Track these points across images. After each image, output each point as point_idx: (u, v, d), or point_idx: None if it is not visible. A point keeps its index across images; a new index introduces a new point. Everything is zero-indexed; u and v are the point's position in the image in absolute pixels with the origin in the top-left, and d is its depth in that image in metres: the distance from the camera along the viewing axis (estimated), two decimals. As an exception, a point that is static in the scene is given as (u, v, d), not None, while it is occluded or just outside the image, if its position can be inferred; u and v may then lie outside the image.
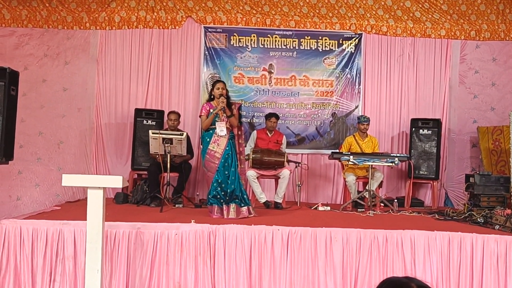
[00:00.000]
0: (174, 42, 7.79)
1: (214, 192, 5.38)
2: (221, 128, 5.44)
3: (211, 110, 5.53)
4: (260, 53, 7.84)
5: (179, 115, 6.99)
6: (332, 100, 7.88)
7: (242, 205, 5.42)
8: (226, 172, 5.42)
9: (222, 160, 5.42)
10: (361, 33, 7.88)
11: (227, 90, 5.62)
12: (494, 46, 7.92)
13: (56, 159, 7.56)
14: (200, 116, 5.67)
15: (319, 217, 5.72)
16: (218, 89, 5.52)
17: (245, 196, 5.47)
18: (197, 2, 7.76)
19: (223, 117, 5.49)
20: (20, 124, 6.60)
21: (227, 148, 5.45)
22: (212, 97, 5.63)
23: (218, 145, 5.44)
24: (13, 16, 7.60)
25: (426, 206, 7.40)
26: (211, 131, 5.53)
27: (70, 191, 7.31)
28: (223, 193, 5.37)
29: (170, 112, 7.02)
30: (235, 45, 7.82)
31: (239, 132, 5.74)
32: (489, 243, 4.48)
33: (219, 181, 5.39)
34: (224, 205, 5.35)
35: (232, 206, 5.35)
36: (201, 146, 5.49)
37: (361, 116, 7.14)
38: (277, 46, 7.85)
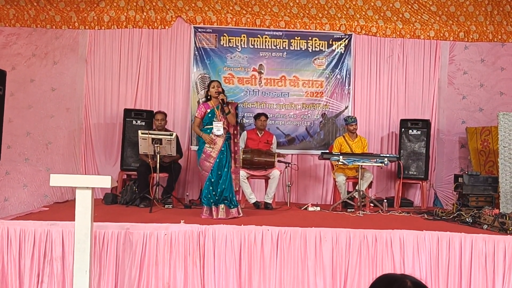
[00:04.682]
0: (164, 42, 7.76)
1: (206, 191, 5.41)
2: (218, 128, 5.46)
3: (208, 110, 5.54)
4: (250, 54, 7.83)
5: (165, 115, 6.97)
6: (322, 101, 7.89)
7: (232, 206, 5.43)
8: (219, 172, 5.44)
9: (217, 160, 5.44)
10: (351, 34, 7.90)
11: (223, 89, 5.63)
12: (482, 47, 7.97)
13: (44, 160, 7.50)
14: (195, 117, 5.68)
15: (309, 217, 5.72)
16: (214, 87, 5.54)
17: (234, 198, 5.49)
18: (186, 2, 7.73)
19: (220, 116, 5.49)
20: (7, 124, 6.57)
21: (223, 149, 5.47)
22: (208, 97, 5.64)
23: (215, 145, 5.45)
24: (1, 15, 7.52)
25: (416, 206, 7.44)
26: (208, 131, 5.53)
27: (58, 191, 7.24)
28: (214, 193, 5.39)
29: (156, 112, 7.01)
30: (225, 45, 7.81)
31: (235, 132, 5.74)
32: (477, 242, 4.50)
33: (212, 180, 5.42)
34: (213, 205, 5.36)
35: (222, 206, 5.37)
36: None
37: (348, 116, 7.16)
38: (267, 47, 7.85)
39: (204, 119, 5.58)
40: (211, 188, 5.40)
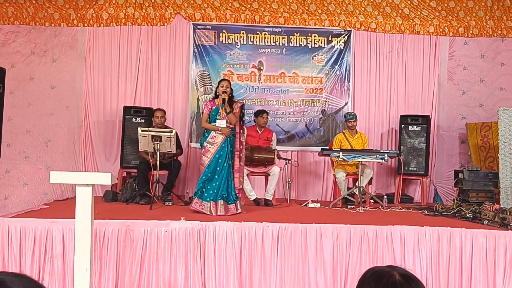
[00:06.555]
0: (163, 39, 7.75)
1: (201, 185, 5.48)
2: (221, 125, 5.53)
3: (213, 108, 5.62)
4: (249, 50, 7.82)
5: (165, 112, 6.95)
6: (322, 97, 7.88)
7: (230, 202, 5.45)
8: (218, 168, 5.47)
9: (216, 156, 5.49)
10: (350, 30, 7.88)
11: (231, 89, 5.72)
12: (482, 43, 7.96)
13: (44, 158, 7.48)
14: (202, 113, 5.72)
15: (309, 213, 5.73)
16: (223, 87, 5.63)
17: (232, 193, 5.50)
18: (185, -1, 7.73)
19: (223, 114, 5.54)
20: (7, 122, 6.56)
21: (223, 145, 5.52)
22: (217, 94, 5.71)
23: (215, 141, 5.52)
24: (-1, 13, 7.52)
25: (416, 202, 7.42)
26: None
27: (58, 189, 7.22)
28: (209, 187, 5.43)
29: (156, 110, 7.00)
30: (224, 42, 7.79)
31: (241, 131, 5.77)
32: (478, 238, 4.50)
33: (208, 175, 5.47)
34: (211, 201, 5.39)
35: (221, 203, 5.41)
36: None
37: (348, 113, 7.14)
38: (266, 43, 7.83)
39: (209, 116, 5.66)
40: (206, 182, 5.46)
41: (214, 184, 5.44)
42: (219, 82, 5.79)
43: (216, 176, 5.46)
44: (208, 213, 5.33)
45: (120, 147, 7.32)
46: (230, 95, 5.64)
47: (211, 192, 5.42)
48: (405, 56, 7.95)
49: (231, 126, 5.60)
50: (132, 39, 7.70)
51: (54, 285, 4.29)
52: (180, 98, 7.76)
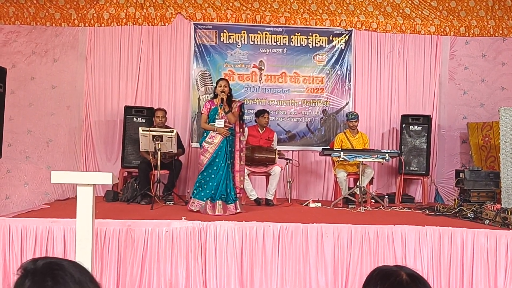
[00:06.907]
0: (164, 39, 7.74)
1: (197, 184, 5.52)
2: (219, 125, 5.55)
3: (212, 107, 5.63)
4: (250, 50, 7.81)
5: (165, 112, 6.96)
6: (323, 97, 7.88)
7: (229, 201, 5.46)
8: (215, 168, 5.48)
9: (214, 155, 5.50)
10: (351, 30, 7.88)
11: (230, 89, 5.72)
12: (483, 42, 7.94)
13: (45, 158, 7.48)
14: (201, 113, 5.76)
15: (310, 213, 5.73)
16: (221, 86, 5.64)
17: (232, 193, 5.50)
18: (186, -1, 7.73)
19: (222, 114, 5.54)
20: (8, 122, 6.55)
21: (221, 144, 5.52)
22: (215, 94, 5.71)
23: (213, 141, 5.53)
24: (0, 13, 7.50)
25: (417, 202, 7.41)
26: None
27: (59, 189, 7.22)
28: (206, 186, 5.45)
29: (156, 109, 7.00)
30: (225, 41, 7.79)
31: (241, 130, 5.78)
32: (479, 237, 4.50)
33: (205, 174, 5.50)
34: (208, 201, 5.40)
35: (219, 203, 5.41)
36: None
37: (349, 113, 7.14)
38: (267, 43, 7.82)
39: (208, 116, 5.66)
40: (203, 182, 5.49)
41: (211, 184, 5.45)
42: (217, 82, 5.80)
43: (213, 176, 5.47)
44: (203, 212, 5.33)
45: (121, 147, 7.32)
46: (228, 95, 5.64)
47: (207, 191, 5.43)
48: (406, 55, 7.94)
49: (230, 125, 5.59)
50: (133, 39, 7.70)
51: (55, 284, 4.28)
52: (181, 97, 7.76)
